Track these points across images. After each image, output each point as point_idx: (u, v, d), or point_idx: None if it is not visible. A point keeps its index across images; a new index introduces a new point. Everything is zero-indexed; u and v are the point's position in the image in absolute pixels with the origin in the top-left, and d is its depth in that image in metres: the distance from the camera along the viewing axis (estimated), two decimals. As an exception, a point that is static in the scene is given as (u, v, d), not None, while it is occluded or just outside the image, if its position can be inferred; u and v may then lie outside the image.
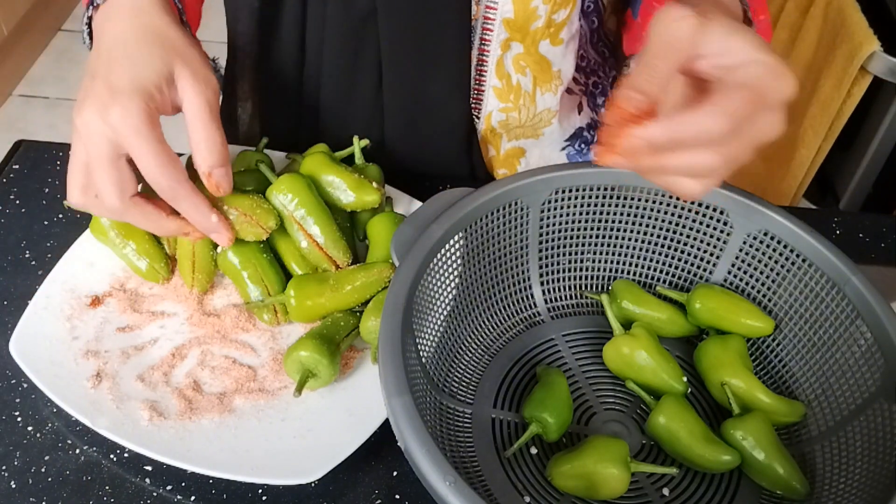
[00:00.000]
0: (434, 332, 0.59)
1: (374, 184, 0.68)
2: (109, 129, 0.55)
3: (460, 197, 0.59)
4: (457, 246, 0.59)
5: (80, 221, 0.72)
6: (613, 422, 0.60)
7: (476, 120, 0.79)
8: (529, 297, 0.66)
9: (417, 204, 0.72)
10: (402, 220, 0.68)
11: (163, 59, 0.59)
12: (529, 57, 0.74)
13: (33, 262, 0.69)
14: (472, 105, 0.78)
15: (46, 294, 0.64)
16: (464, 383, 0.61)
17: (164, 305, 0.66)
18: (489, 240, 0.62)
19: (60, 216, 0.74)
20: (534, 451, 0.58)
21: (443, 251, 0.58)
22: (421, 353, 0.56)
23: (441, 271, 0.59)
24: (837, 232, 0.77)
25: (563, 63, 0.76)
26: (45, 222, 0.73)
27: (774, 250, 0.62)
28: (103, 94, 0.56)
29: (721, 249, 0.64)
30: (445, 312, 0.60)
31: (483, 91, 0.76)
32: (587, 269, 0.68)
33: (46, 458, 0.58)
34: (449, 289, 0.60)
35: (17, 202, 0.75)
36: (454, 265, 0.60)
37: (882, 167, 1.32)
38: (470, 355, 0.63)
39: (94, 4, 0.62)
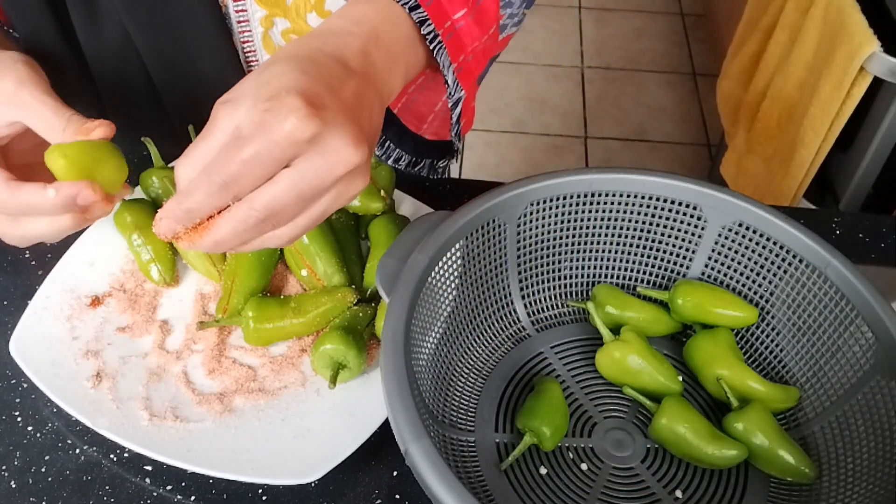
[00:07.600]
0: (427, 363, 0.58)
1: (382, 192, 0.68)
2: None
3: (438, 222, 0.58)
4: (442, 271, 0.58)
5: (80, 221, 0.72)
6: (616, 430, 0.60)
7: None
8: (512, 312, 0.65)
9: (418, 204, 0.72)
10: (402, 222, 0.68)
11: None
12: (299, 30, 0.71)
13: (33, 262, 0.69)
14: None
15: (46, 294, 0.64)
16: (462, 411, 0.60)
17: (164, 306, 0.66)
18: (470, 261, 0.61)
19: (60, 216, 0.73)
20: (543, 471, 0.57)
21: (430, 279, 0.57)
22: (420, 386, 0.55)
23: (431, 300, 0.58)
24: (837, 232, 0.77)
25: None
26: (45, 222, 0.73)
27: (751, 240, 0.62)
28: None
29: (696, 244, 0.65)
30: (436, 340, 0.59)
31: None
32: (566, 278, 0.67)
33: (46, 458, 0.58)
34: (439, 316, 0.59)
35: (17, 202, 0.75)
36: (444, 291, 0.59)
37: (882, 167, 1.32)
38: (463, 381, 0.61)
39: None
